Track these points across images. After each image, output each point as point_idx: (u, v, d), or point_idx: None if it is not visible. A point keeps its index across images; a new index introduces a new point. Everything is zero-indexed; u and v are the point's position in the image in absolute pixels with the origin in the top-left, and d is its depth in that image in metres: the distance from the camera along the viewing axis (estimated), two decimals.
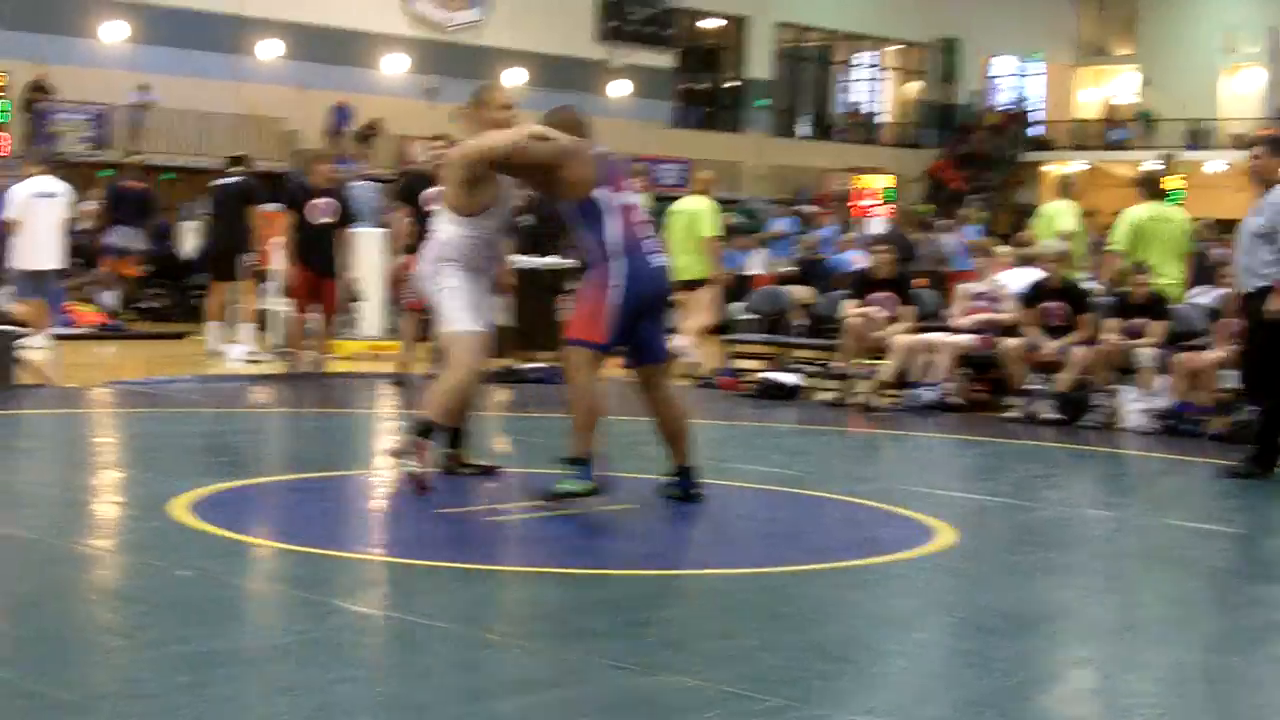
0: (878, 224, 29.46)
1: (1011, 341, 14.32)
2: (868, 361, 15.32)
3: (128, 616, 6.27)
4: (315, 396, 14.64)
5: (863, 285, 15.51)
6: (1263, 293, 10.79)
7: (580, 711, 5.03)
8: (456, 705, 5.03)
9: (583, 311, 8.78)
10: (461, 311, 8.79)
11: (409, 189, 16.08)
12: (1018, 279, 15.22)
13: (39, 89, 34.25)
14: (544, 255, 20.19)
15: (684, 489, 9.07)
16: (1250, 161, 11.30)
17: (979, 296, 15.09)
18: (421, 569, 7.21)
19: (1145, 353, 13.67)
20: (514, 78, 42.76)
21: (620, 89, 45.35)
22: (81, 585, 6.86)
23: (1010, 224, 29.40)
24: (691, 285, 17.14)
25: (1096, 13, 56.92)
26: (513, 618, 6.48)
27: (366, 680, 5.31)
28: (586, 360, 8.70)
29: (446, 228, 8.90)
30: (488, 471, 9.56)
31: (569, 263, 20.32)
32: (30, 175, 18.55)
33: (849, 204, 38.80)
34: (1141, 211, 15.26)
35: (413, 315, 15.67)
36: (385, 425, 12.88)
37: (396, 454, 8.68)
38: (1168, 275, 14.94)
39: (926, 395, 14.50)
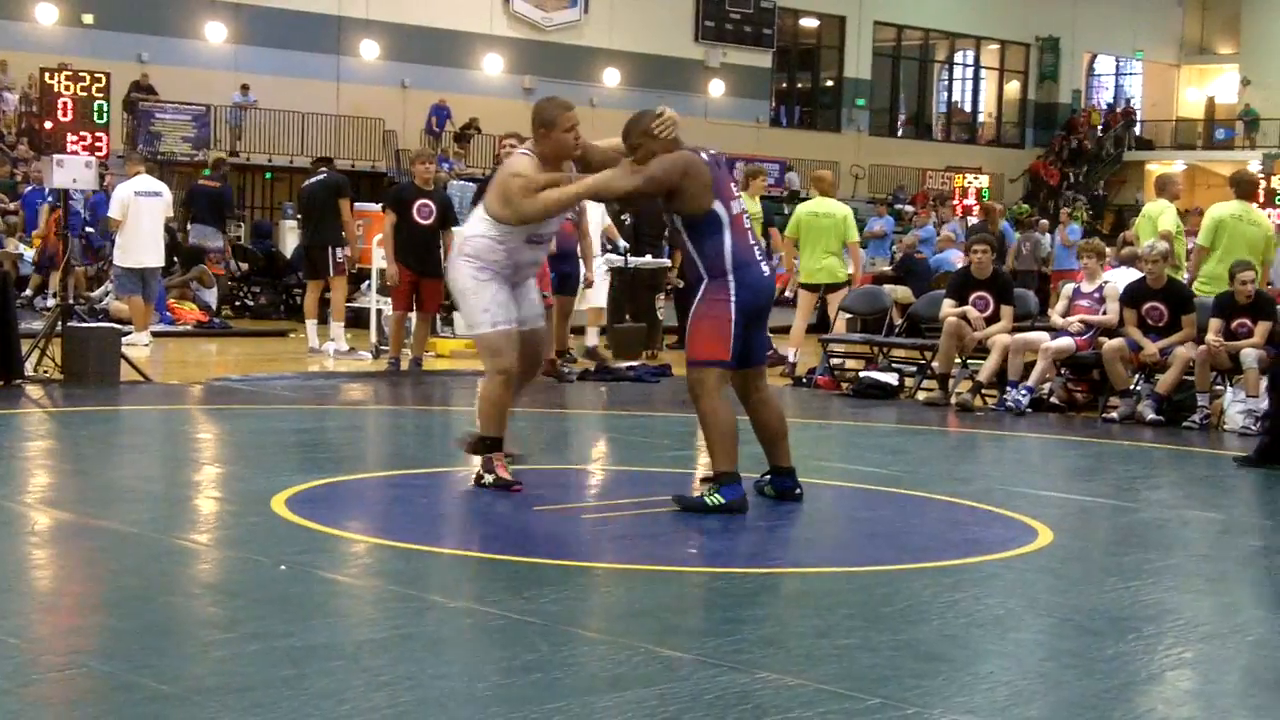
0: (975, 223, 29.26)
1: (1112, 342, 14.19)
2: (962, 361, 15.26)
3: (228, 610, 6.31)
4: (414, 394, 14.71)
5: (962, 285, 15.41)
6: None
7: (677, 709, 5.02)
8: (553, 701, 5.04)
9: (705, 330, 8.64)
10: (483, 313, 8.79)
11: (395, 197, 16.34)
12: (1120, 279, 15.10)
13: (140, 89, 34.60)
14: (644, 254, 20.23)
15: (783, 489, 9.02)
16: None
17: (1082, 296, 14.96)
18: (518, 565, 7.22)
19: (1249, 354, 13.52)
20: (611, 77, 42.86)
21: (718, 88, 45.33)
22: (182, 579, 6.92)
23: (1112, 224, 29.16)
24: (833, 288, 17.21)
25: (1199, 11, 56.41)
26: (609, 614, 6.48)
27: (463, 675, 5.33)
28: (716, 379, 8.64)
29: (478, 226, 8.93)
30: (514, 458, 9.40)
31: (667, 261, 20.36)
32: (133, 175, 18.74)
33: (949, 203, 38.63)
34: (1225, 209, 15.30)
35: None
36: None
37: (477, 480, 8.87)
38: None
39: (1024, 396, 14.40)
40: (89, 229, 21.63)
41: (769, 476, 9.10)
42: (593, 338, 17.62)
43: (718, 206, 8.53)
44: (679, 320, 21.65)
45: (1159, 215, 16.77)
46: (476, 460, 9.00)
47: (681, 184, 8.52)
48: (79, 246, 20.66)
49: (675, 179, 8.51)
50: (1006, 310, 15.05)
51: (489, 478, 8.79)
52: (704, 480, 8.89)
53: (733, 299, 8.56)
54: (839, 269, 17.27)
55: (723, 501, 8.52)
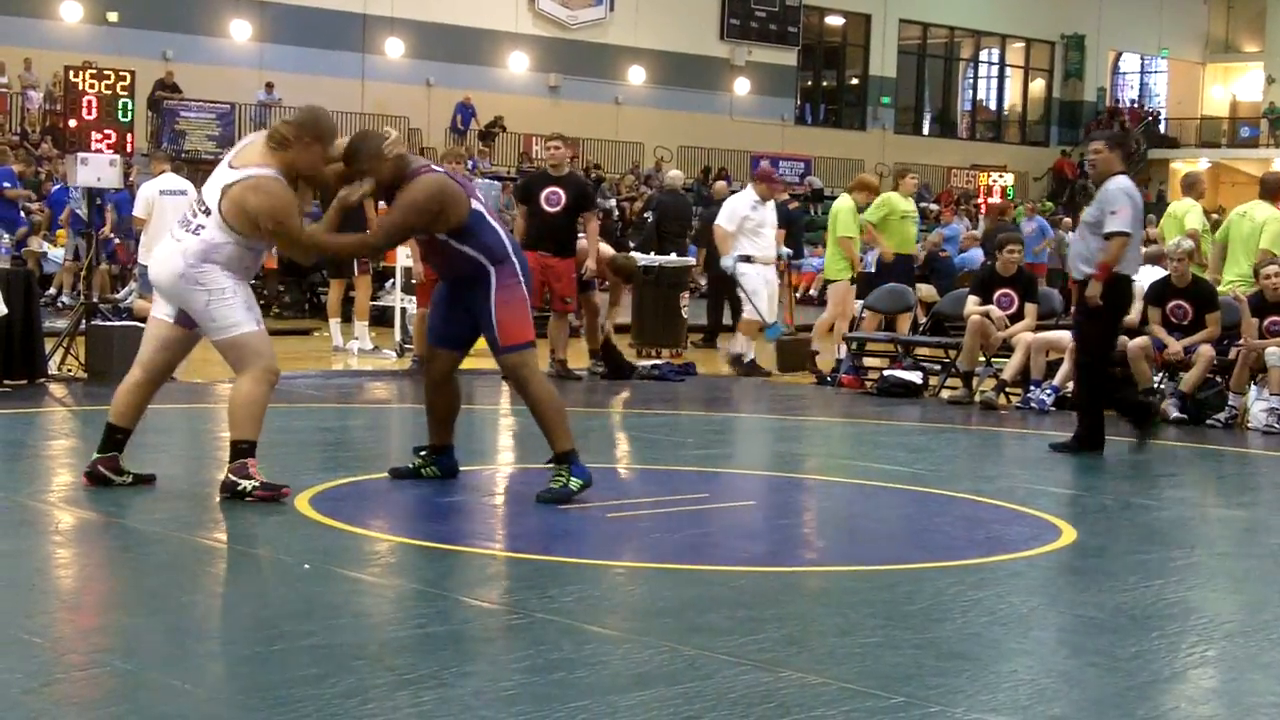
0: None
1: (1136, 340, 14.15)
2: (987, 359, 15.24)
3: (251, 609, 6.32)
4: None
5: (987, 283, 15.40)
6: (1090, 280, 11.44)
7: (701, 708, 5.02)
8: (577, 699, 5.04)
9: (513, 314, 8.69)
10: (247, 310, 8.46)
11: (526, 188, 16.14)
12: (1145, 277, 15.05)
13: (165, 87, 34.66)
14: (667, 252, 20.24)
15: (448, 468, 9.19)
16: (1090, 156, 11.92)
17: None
18: (541, 564, 7.23)
19: (1273, 352, 13.47)
20: (636, 75, 42.87)
21: (743, 87, 45.30)
22: (205, 578, 6.94)
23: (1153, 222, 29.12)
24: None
25: (1225, 9, 56.27)
26: (632, 613, 6.47)
27: (487, 674, 5.33)
28: (535, 359, 8.83)
29: (216, 234, 8.38)
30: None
31: (691, 260, 20.38)
32: (158, 173, 18.77)
33: (974, 201, 38.58)
34: (1238, 208, 15.79)
35: (562, 314, 15.73)
36: (505, 421, 12.93)
37: (234, 492, 8.40)
38: (1232, 271, 15.32)
39: (1048, 395, 14.37)
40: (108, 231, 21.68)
41: (431, 455, 9.20)
42: (739, 345, 17.31)
43: (474, 203, 8.67)
44: (710, 318, 21.68)
45: (1184, 214, 16.73)
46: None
47: (445, 201, 8.54)
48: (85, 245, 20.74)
49: (439, 201, 8.52)
50: (1030, 308, 15.03)
51: (248, 485, 8.33)
52: (549, 463, 8.81)
53: (521, 280, 8.73)
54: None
55: (582, 482, 8.65)
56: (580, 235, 15.77)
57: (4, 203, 22.18)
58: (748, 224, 16.84)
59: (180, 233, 8.39)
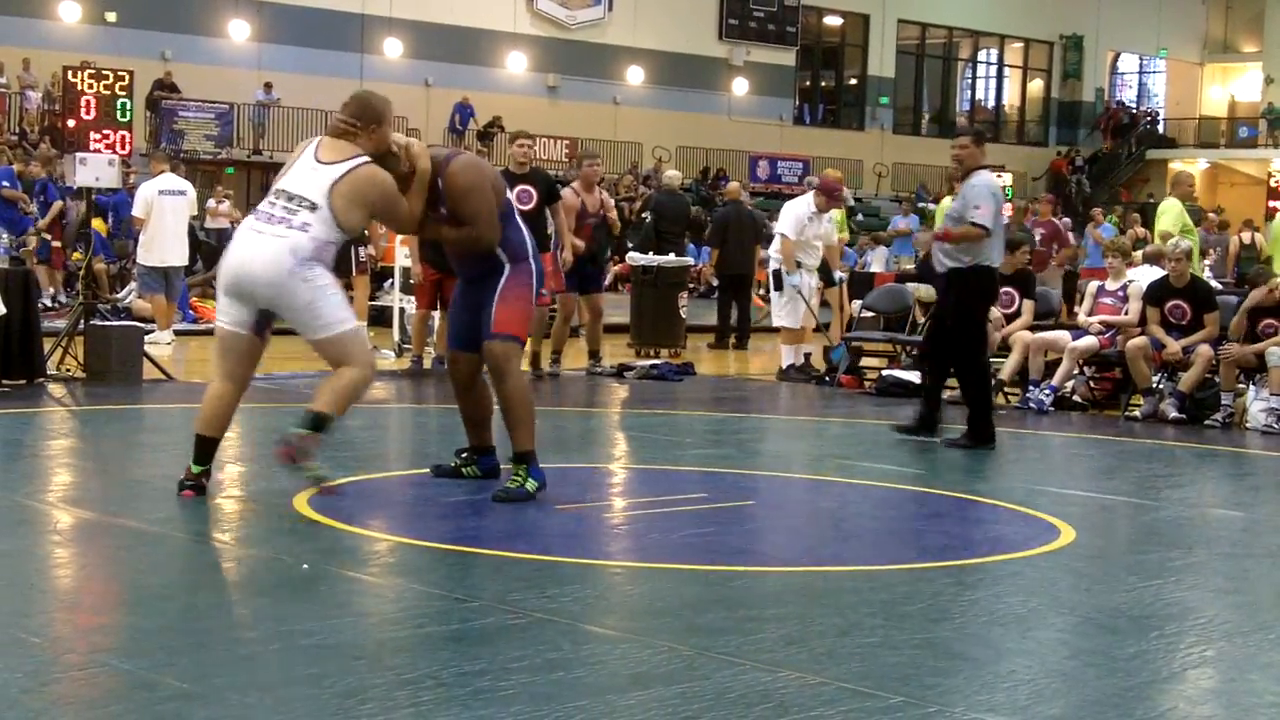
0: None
1: (1135, 340, 14.16)
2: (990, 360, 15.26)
3: (250, 609, 6.33)
4: (436, 393, 14.71)
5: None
6: (955, 273, 11.77)
7: (700, 707, 5.02)
8: (576, 699, 5.04)
9: (517, 308, 8.77)
10: (346, 309, 8.50)
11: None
12: (1144, 277, 15.07)
13: (164, 87, 34.66)
14: (666, 253, 20.24)
15: (489, 468, 9.23)
16: (955, 151, 12.18)
17: (1106, 294, 14.93)
18: (539, 563, 7.22)
19: (1275, 352, 13.47)
20: (635, 76, 42.88)
21: (741, 87, 45.31)
22: (205, 578, 6.94)
23: (1139, 221, 29.10)
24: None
25: (1223, 10, 56.29)
26: (631, 613, 6.48)
27: (486, 674, 5.33)
28: (520, 356, 8.94)
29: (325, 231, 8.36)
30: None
31: (690, 260, 20.37)
32: (156, 173, 18.79)
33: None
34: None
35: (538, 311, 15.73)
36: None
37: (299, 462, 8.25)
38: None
39: (1047, 395, 14.38)
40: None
41: (473, 455, 9.26)
42: (789, 356, 17.24)
43: (508, 195, 8.96)
44: (720, 319, 21.69)
45: (1163, 214, 16.84)
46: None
47: (495, 176, 8.95)
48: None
49: (492, 173, 9.00)
50: (1028, 305, 15.05)
51: (315, 467, 8.24)
52: (514, 457, 8.81)
53: (532, 285, 8.83)
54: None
55: (537, 484, 8.69)
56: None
57: (2, 203, 22.18)
58: (803, 234, 16.74)
59: (275, 229, 8.20)
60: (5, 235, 15.39)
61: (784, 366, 16.98)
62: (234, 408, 8.58)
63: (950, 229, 11.81)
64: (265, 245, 8.19)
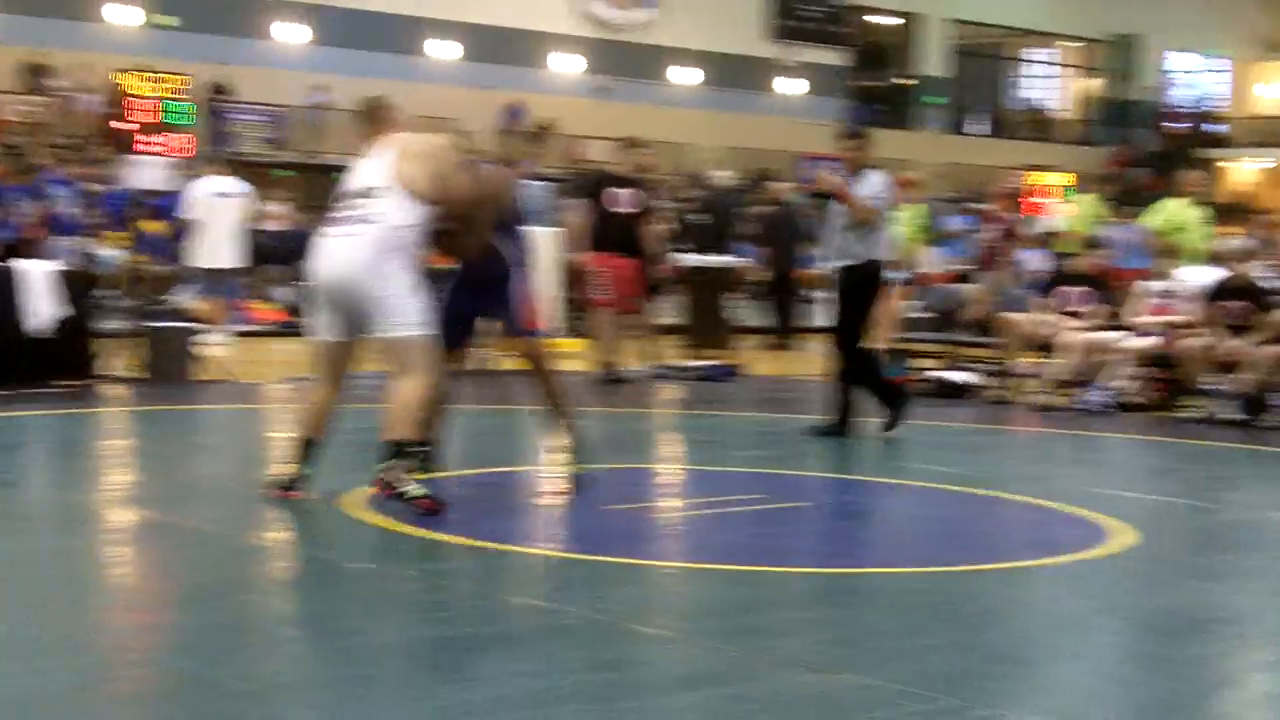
0: (1050, 222, 29.05)
1: (1191, 341, 14.07)
2: (1037, 360, 15.19)
3: (302, 608, 6.35)
4: (489, 394, 14.72)
5: (1054, 281, 15.34)
6: (850, 270, 11.98)
7: (751, 709, 5.00)
8: (628, 700, 5.03)
9: (534, 305, 9.19)
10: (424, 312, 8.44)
11: (590, 188, 16.11)
12: (1204, 277, 14.97)
13: (219, 91, 34.80)
14: (714, 253, 20.22)
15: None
16: (844, 153, 12.48)
17: (1156, 295, 14.84)
18: (592, 564, 7.22)
19: None
20: (685, 76, 42.84)
21: (792, 87, 45.21)
22: (258, 577, 6.96)
23: None
24: None
25: (1277, 9, 55.91)
26: (684, 614, 6.46)
27: (537, 674, 5.32)
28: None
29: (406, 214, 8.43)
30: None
31: (737, 260, 20.34)
32: (209, 175, 18.87)
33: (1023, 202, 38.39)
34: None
35: (602, 311, 15.72)
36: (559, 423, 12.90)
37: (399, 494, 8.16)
38: None
39: (1103, 395, 14.31)
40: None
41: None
42: None
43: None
44: (771, 320, 21.66)
45: (1157, 211, 16.77)
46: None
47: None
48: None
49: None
50: (1101, 310, 15.03)
51: (415, 489, 8.13)
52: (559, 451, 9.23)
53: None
54: None
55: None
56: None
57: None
58: None
59: (352, 228, 8.26)
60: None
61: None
62: (333, 410, 8.65)
63: (852, 193, 12.02)
64: (345, 246, 8.25)
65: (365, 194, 8.28)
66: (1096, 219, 16.21)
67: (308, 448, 8.56)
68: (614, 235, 15.12)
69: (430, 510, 8.03)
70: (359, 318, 8.33)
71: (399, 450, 8.14)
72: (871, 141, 12.61)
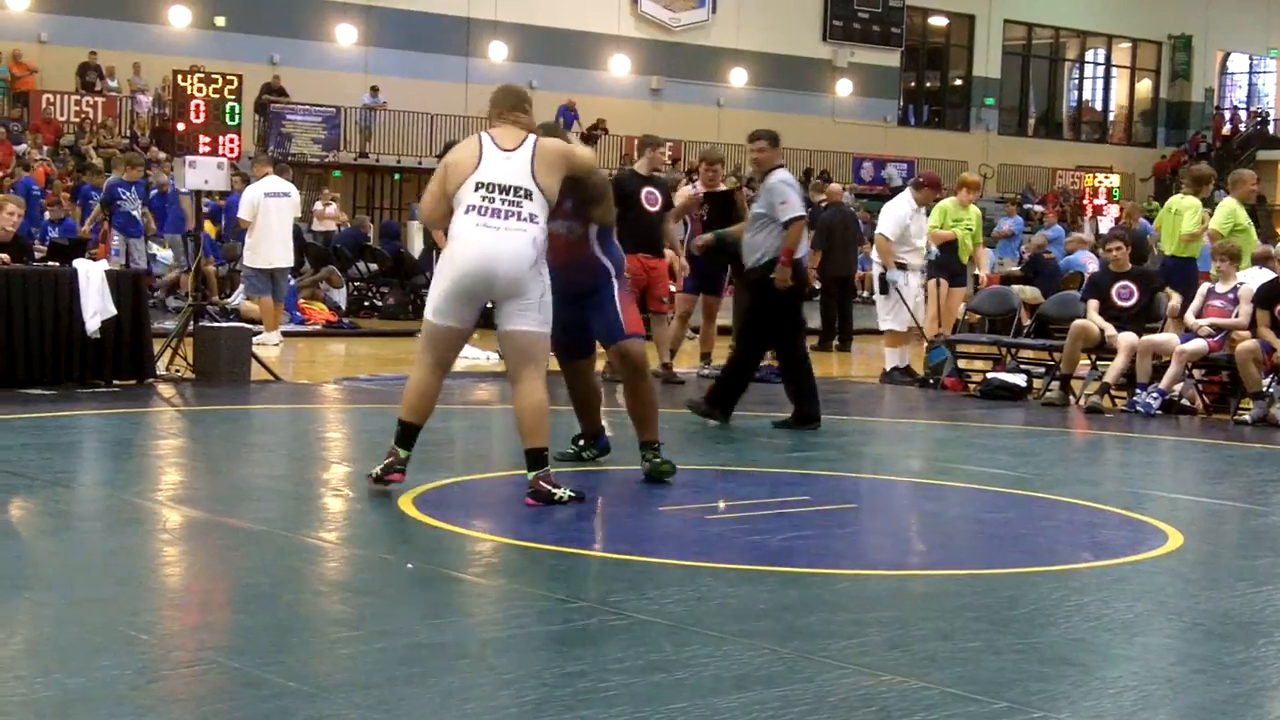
0: (1106, 223, 28.91)
1: (1245, 343, 14.00)
2: (1092, 362, 15.14)
3: (355, 608, 6.37)
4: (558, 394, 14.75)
5: (1102, 282, 15.27)
6: (762, 267, 12.22)
7: (801, 711, 5.00)
8: (676, 701, 5.04)
9: (632, 311, 9.52)
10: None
11: (619, 187, 16.10)
12: (1252, 279, 14.88)
13: (272, 91, 34.97)
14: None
15: (604, 447, 10.09)
16: (754, 154, 12.57)
17: (1216, 297, 14.75)
18: (641, 565, 7.23)
19: None
20: (739, 77, 42.84)
21: (846, 88, 45.18)
22: (310, 577, 6.98)
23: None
24: None
25: None
26: (733, 615, 6.45)
27: (588, 674, 5.33)
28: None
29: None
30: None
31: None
32: (261, 176, 18.95)
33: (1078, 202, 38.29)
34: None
35: (660, 316, 15.71)
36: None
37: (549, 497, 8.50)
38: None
39: (1154, 398, 14.24)
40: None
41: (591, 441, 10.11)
42: (893, 359, 16.99)
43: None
44: (823, 321, 21.64)
45: (1185, 210, 16.61)
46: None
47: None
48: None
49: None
50: (1157, 299, 15.03)
51: (564, 493, 8.48)
52: (645, 445, 9.49)
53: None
54: None
55: (671, 466, 9.41)
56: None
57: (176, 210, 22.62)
58: (906, 232, 16.68)
59: (509, 223, 8.33)
60: (116, 236, 15.51)
61: (887, 369, 16.89)
62: (437, 396, 8.80)
63: (788, 245, 12.09)
64: (507, 240, 8.33)
65: (519, 192, 8.38)
66: (1235, 227, 15.97)
67: (408, 432, 8.65)
68: (644, 235, 15.08)
69: (580, 500, 8.50)
70: (480, 310, 8.63)
71: (537, 460, 8.47)
72: (778, 144, 12.61)
